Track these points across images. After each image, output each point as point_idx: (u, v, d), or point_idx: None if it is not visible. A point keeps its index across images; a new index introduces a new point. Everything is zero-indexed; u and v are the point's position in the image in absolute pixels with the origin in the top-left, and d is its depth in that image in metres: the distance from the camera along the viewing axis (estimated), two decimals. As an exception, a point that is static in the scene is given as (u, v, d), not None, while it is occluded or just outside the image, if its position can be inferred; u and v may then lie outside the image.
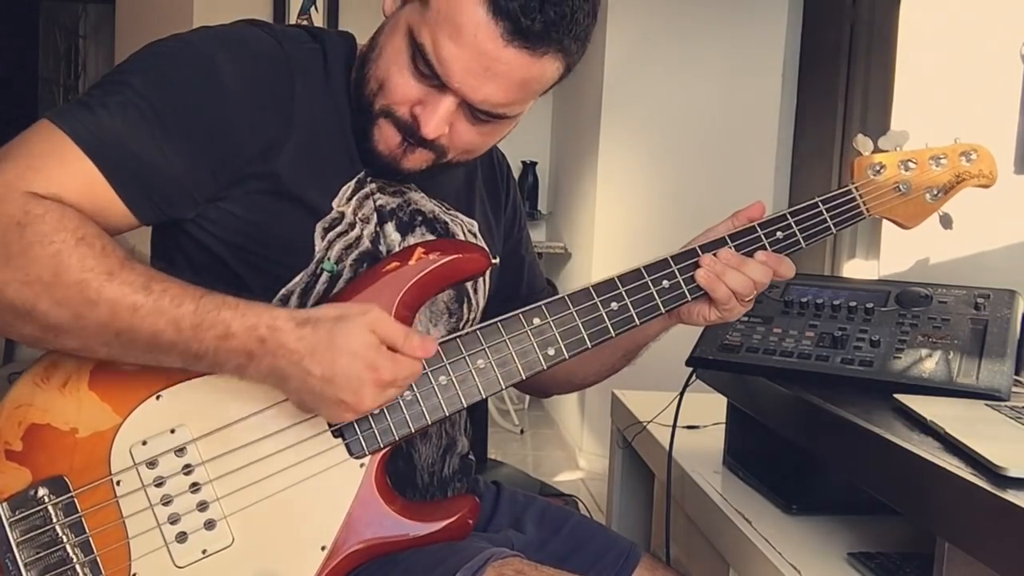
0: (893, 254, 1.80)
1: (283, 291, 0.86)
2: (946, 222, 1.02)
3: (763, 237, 0.93)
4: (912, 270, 1.67)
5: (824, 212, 0.95)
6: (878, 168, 0.98)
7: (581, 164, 3.56)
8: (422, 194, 0.94)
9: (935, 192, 0.99)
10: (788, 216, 0.94)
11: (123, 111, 0.76)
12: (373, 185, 0.90)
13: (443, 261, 0.84)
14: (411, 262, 0.84)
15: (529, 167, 4.09)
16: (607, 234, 3.33)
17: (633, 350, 1.06)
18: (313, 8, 3.56)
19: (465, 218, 0.99)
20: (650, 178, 3.24)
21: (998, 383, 0.93)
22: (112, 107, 0.76)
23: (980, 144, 1.00)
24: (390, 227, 0.91)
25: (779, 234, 0.93)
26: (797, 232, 0.94)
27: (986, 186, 1.01)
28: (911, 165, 0.99)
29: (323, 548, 0.80)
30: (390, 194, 0.92)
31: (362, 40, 0.92)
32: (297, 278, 0.85)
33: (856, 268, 3.34)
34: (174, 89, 0.78)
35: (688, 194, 3.08)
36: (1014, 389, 0.95)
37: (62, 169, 0.74)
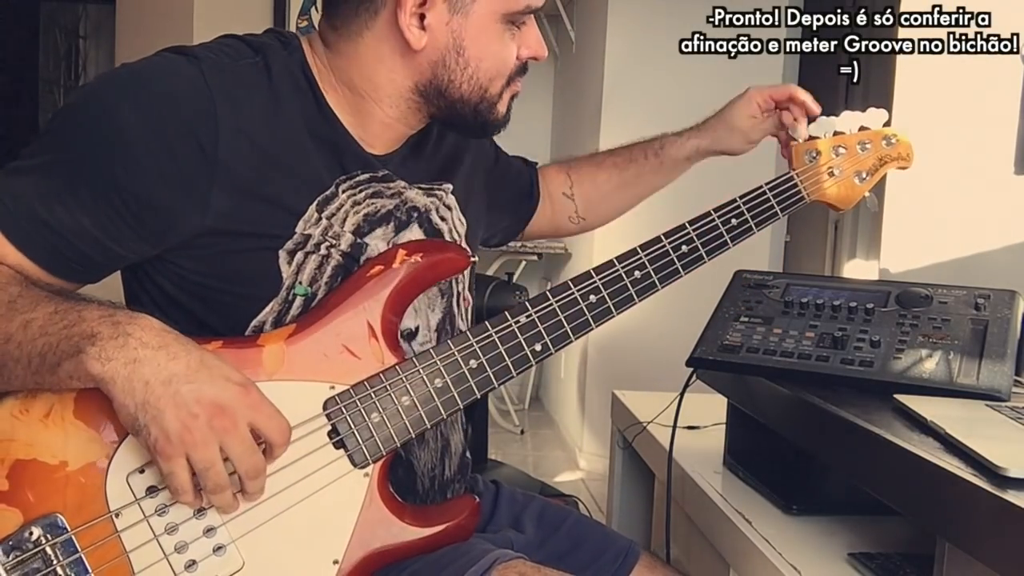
0: (893, 254, 1.80)
1: (254, 322, 0.83)
2: (872, 204, 1.11)
3: (720, 225, 0.99)
4: (912, 270, 1.67)
5: (771, 199, 1.03)
6: (814, 154, 1.06)
7: (581, 164, 3.56)
8: (415, 190, 0.93)
9: (863, 175, 1.07)
10: (740, 204, 1.01)
11: (36, 176, 0.77)
12: (362, 193, 0.88)
13: (425, 262, 0.85)
14: (395, 265, 0.84)
15: (529, 167, 4.08)
16: (607, 234, 3.31)
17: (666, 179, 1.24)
18: (313, 8, 3.56)
19: (446, 186, 0.98)
20: (650, 178, 3.24)
21: (998, 383, 0.93)
22: (28, 172, 0.77)
23: (899, 130, 1.09)
24: (379, 232, 0.88)
25: (733, 220, 1.00)
26: (750, 219, 1.01)
27: (904, 168, 1.10)
28: (841, 150, 1.07)
29: (335, 562, 0.79)
30: (389, 196, 0.90)
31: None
32: (268, 307, 0.83)
33: (856, 268, 3.35)
34: (77, 149, 0.77)
35: (688, 194, 3.06)
36: (1014, 389, 0.95)
37: None
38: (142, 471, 0.75)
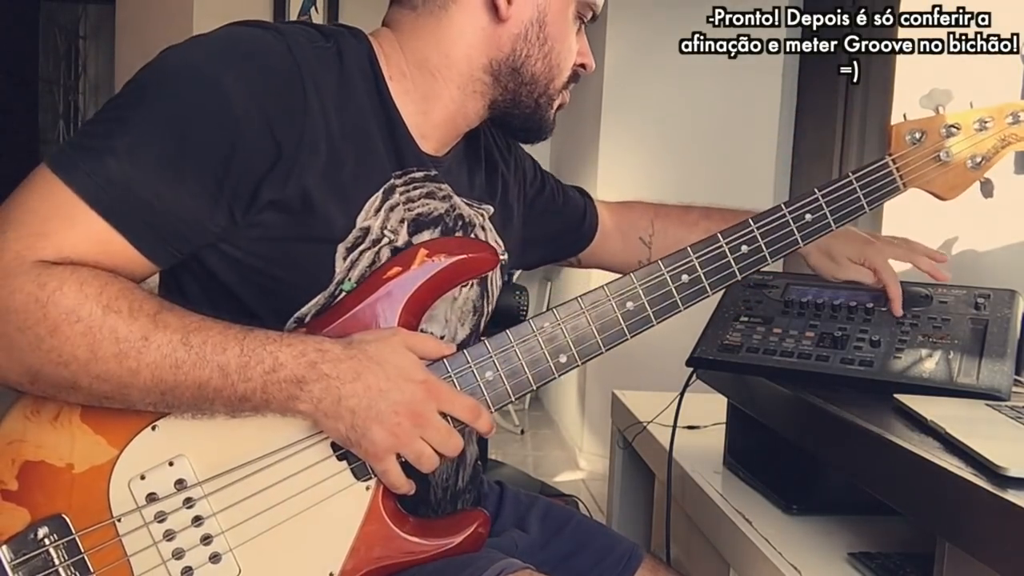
0: (893, 254, 1.79)
1: (298, 314, 0.82)
2: (987, 190, 0.95)
3: (791, 222, 0.90)
4: (912, 270, 1.67)
5: (858, 189, 0.91)
6: (918, 136, 0.92)
7: (581, 164, 3.56)
8: (459, 199, 0.92)
9: (978, 160, 0.93)
10: (819, 197, 0.91)
11: (131, 155, 0.71)
12: (416, 191, 0.87)
13: (448, 263, 0.81)
14: (414, 266, 0.81)
15: (529, 167, 4.08)
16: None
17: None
18: (313, 8, 3.56)
19: (487, 207, 0.97)
20: (650, 178, 3.24)
21: (998, 383, 0.93)
22: (119, 151, 0.71)
23: None
24: (427, 235, 0.87)
25: (808, 216, 0.90)
26: (828, 214, 0.91)
27: None
28: (954, 130, 0.92)
29: (331, 574, 0.78)
30: (440, 199, 0.89)
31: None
32: (314, 300, 0.82)
33: (856, 268, 3.33)
34: (183, 125, 0.73)
35: (688, 194, 3.06)
36: (1014, 389, 0.95)
37: (72, 232, 0.71)
38: (143, 477, 0.75)
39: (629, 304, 0.84)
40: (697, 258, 0.87)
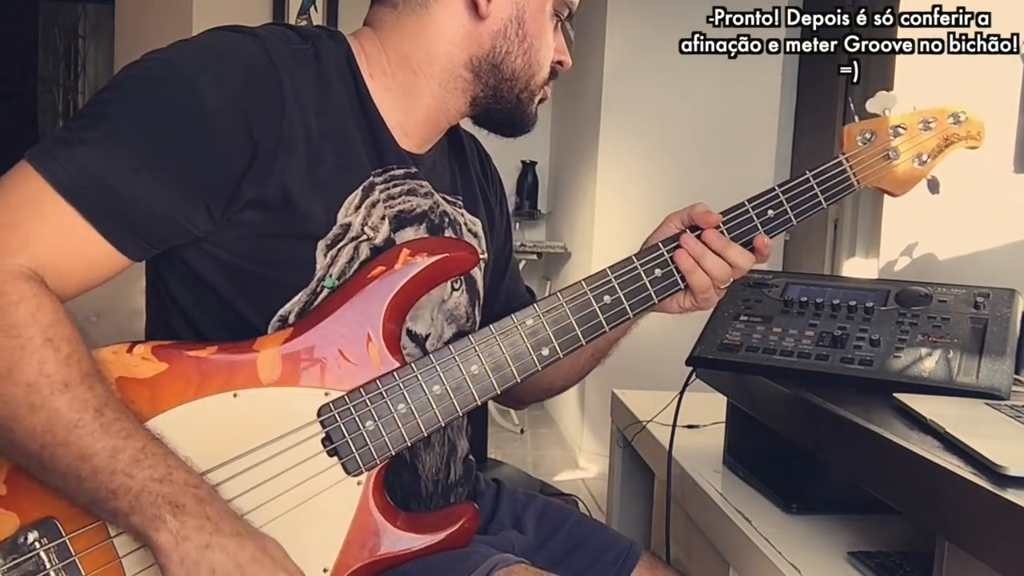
0: (893, 253, 1.80)
1: (281, 311, 0.83)
2: (933, 186, 1.00)
3: (754, 217, 0.92)
4: (912, 269, 1.67)
5: (815, 187, 0.94)
6: (868, 136, 0.97)
7: (581, 164, 3.57)
8: (441, 195, 0.93)
9: (924, 158, 0.98)
10: (780, 193, 0.93)
11: (103, 146, 0.73)
12: (396, 189, 0.87)
13: (430, 262, 0.83)
14: (396, 266, 0.82)
15: (529, 167, 4.09)
16: (607, 234, 3.33)
17: (604, 348, 1.05)
18: (313, 8, 3.56)
19: (470, 216, 0.98)
20: (650, 177, 3.24)
21: (998, 382, 0.93)
22: (92, 142, 0.73)
23: (968, 105, 0.98)
24: (411, 231, 0.88)
25: (770, 212, 0.92)
26: (788, 210, 0.93)
27: (974, 147, 0.99)
28: (900, 130, 0.97)
29: (325, 570, 0.78)
30: (422, 196, 0.90)
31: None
32: (296, 297, 0.83)
33: (856, 267, 3.35)
34: (157, 119, 0.75)
35: (688, 193, 3.07)
36: (1014, 388, 0.95)
37: (42, 222, 0.72)
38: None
39: (606, 298, 0.87)
40: (668, 253, 0.90)
